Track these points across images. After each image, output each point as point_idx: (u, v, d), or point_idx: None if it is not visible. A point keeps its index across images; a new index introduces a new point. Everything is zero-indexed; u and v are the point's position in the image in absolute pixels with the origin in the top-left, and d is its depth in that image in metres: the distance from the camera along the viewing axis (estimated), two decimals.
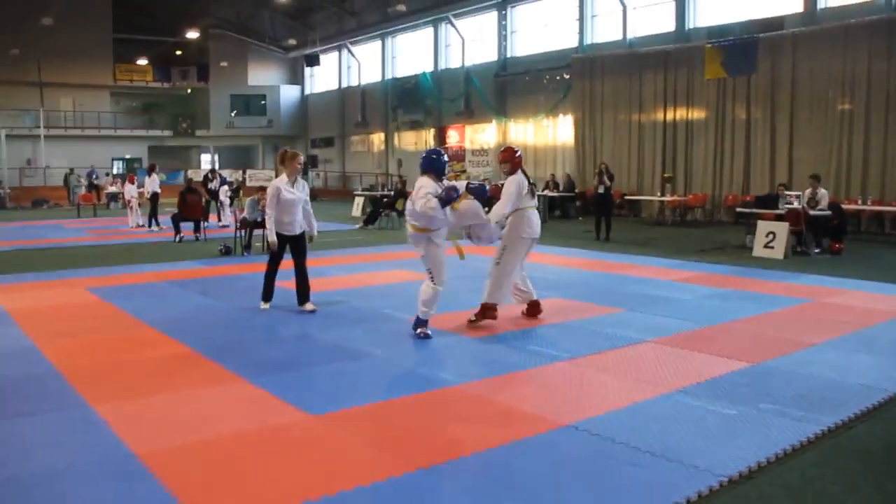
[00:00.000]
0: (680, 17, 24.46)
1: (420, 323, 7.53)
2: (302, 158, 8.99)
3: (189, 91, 49.18)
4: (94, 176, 35.47)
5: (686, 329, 7.85)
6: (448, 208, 7.20)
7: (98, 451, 4.55)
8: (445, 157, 7.73)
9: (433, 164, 7.49)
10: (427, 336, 7.42)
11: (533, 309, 8.51)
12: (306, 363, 6.65)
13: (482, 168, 32.14)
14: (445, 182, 7.39)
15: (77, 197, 31.63)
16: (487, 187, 8.04)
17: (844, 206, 16.57)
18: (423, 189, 7.21)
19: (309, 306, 8.83)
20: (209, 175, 22.98)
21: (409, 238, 7.68)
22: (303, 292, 8.91)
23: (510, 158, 8.21)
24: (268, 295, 9.05)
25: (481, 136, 33.77)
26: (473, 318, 8.10)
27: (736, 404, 5.36)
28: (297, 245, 8.89)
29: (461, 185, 7.53)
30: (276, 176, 9.04)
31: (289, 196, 8.61)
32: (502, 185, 8.20)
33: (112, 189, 32.77)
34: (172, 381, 6.05)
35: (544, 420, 5.06)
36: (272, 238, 8.68)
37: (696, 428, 4.90)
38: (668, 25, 24.82)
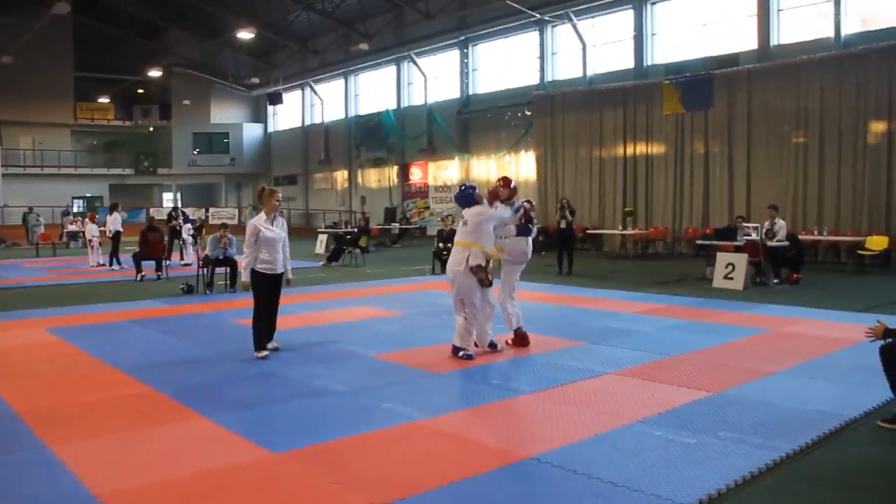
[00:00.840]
0: (638, 54, 24.95)
1: (460, 353, 8.13)
2: (280, 195, 8.76)
3: (151, 129, 48.95)
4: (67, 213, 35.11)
5: (647, 360, 7.93)
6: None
7: (57, 493, 4.49)
8: (477, 189, 8.53)
9: (472, 198, 8.34)
10: (470, 356, 8.03)
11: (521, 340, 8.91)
12: (269, 401, 6.62)
13: (445, 204, 32.28)
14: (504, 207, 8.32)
15: (36, 236, 31.19)
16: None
17: (801, 237, 16.87)
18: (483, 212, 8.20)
19: (271, 345, 8.67)
20: (172, 213, 22.83)
21: (450, 259, 8.30)
22: (269, 331, 8.70)
23: (508, 185, 8.86)
24: (261, 341, 8.54)
25: (444, 172, 33.98)
26: (509, 342, 8.87)
27: (696, 433, 5.43)
28: (275, 285, 8.59)
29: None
30: (257, 213, 8.84)
31: (269, 234, 8.35)
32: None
33: (72, 228, 32.38)
34: (133, 421, 5.98)
35: (507, 453, 5.08)
36: (245, 278, 8.41)
37: (657, 457, 4.96)
38: (627, 62, 25.29)
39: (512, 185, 8.92)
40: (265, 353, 8.40)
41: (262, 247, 8.32)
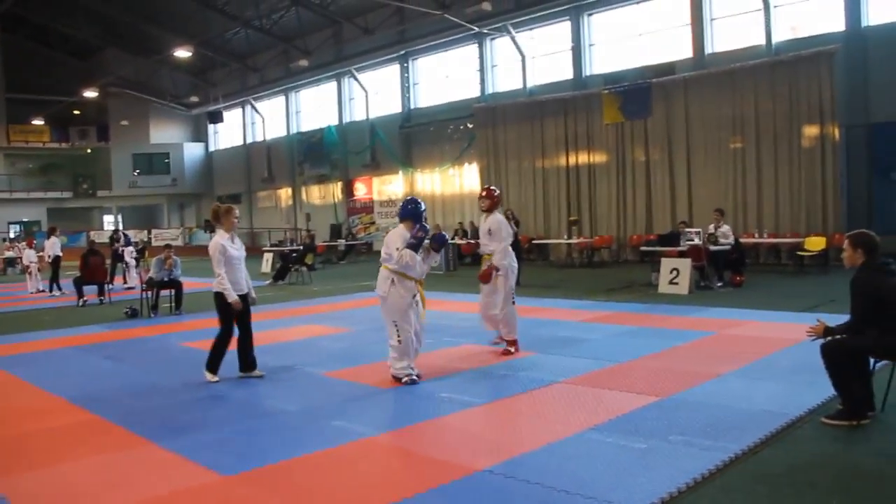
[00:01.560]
0: (577, 65, 25.30)
1: (403, 379, 7.54)
2: (237, 212, 8.35)
3: (89, 151, 48.04)
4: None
5: (597, 368, 7.99)
6: (421, 252, 7.54)
7: None
8: (423, 206, 7.91)
9: (412, 212, 7.68)
10: (415, 381, 7.52)
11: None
12: (218, 423, 6.50)
13: (391, 219, 32.23)
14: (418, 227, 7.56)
15: None
16: (446, 235, 8.73)
17: (742, 240, 17.20)
18: (394, 243, 7.48)
19: (258, 372, 8.21)
20: (114, 236, 22.41)
21: (377, 281, 7.60)
22: (250, 358, 8.24)
23: (491, 196, 9.14)
24: (216, 365, 8.09)
25: (389, 187, 33.96)
26: (510, 350, 9.02)
27: (646, 438, 5.48)
28: (244, 307, 8.17)
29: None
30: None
31: (234, 252, 8.01)
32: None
33: (9, 254, 31.59)
34: (77, 450, 5.83)
35: (460, 466, 5.06)
36: (234, 298, 7.88)
37: (608, 464, 4.98)
38: (567, 73, 25.63)
39: (496, 195, 9.30)
40: (215, 378, 7.99)
41: (228, 267, 7.94)
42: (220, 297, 7.96)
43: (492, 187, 9.61)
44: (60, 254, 20.29)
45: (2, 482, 5.09)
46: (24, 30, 40.97)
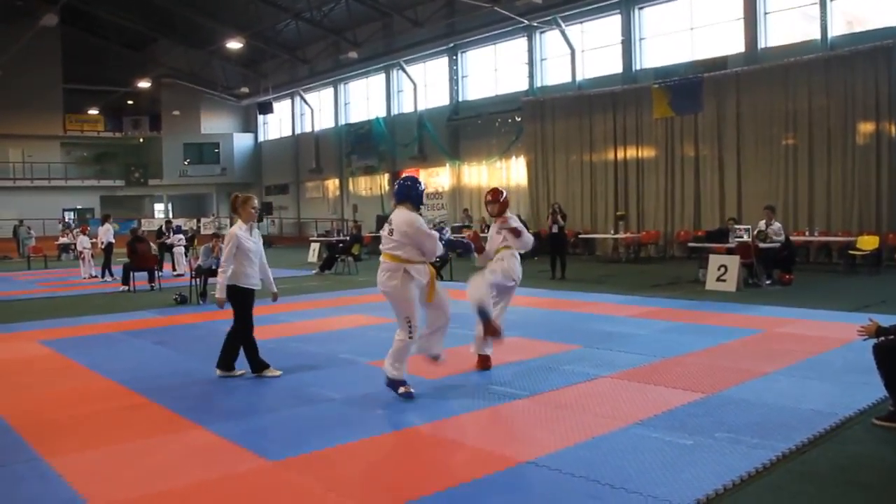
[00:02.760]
0: (627, 59, 25.04)
1: (396, 383, 6.71)
2: (256, 202, 8.07)
3: (141, 140, 48.90)
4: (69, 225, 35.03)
5: (642, 363, 7.95)
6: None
7: None
8: (422, 186, 7.03)
9: (409, 193, 6.80)
10: (410, 395, 6.63)
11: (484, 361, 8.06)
12: (265, 409, 6.61)
13: (437, 211, 32.30)
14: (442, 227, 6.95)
15: (27, 249, 31.11)
16: (465, 239, 7.97)
17: (793, 238, 16.96)
18: (416, 227, 6.53)
19: (240, 371, 7.89)
20: (163, 228, 22.76)
21: (379, 276, 6.72)
22: (236, 354, 7.93)
23: (498, 199, 8.19)
24: (259, 362, 7.84)
25: (436, 179, 33.98)
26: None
27: (692, 434, 5.44)
28: (250, 300, 7.89)
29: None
30: (231, 224, 8.07)
31: (250, 245, 7.75)
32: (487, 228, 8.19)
33: (64, 240, 32.31)
34: (129, 432, 5.96)
35: (504, 458, 5.08)
36: (221, 294, 7.60)
37: (653, 459, 4.96)
38: (616, 67, 25.39)
39: (502, 198, 8.23)
40: (277, 371, 7.81)
41: (243, 259, 7.67)
42: (232, 290, 7.67)
43: (498, 188, 8.51)
44: (113, 241, 20.73)
45: (58, 461, 5.22)
46: (80, 22, 41.73)
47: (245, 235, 7.75)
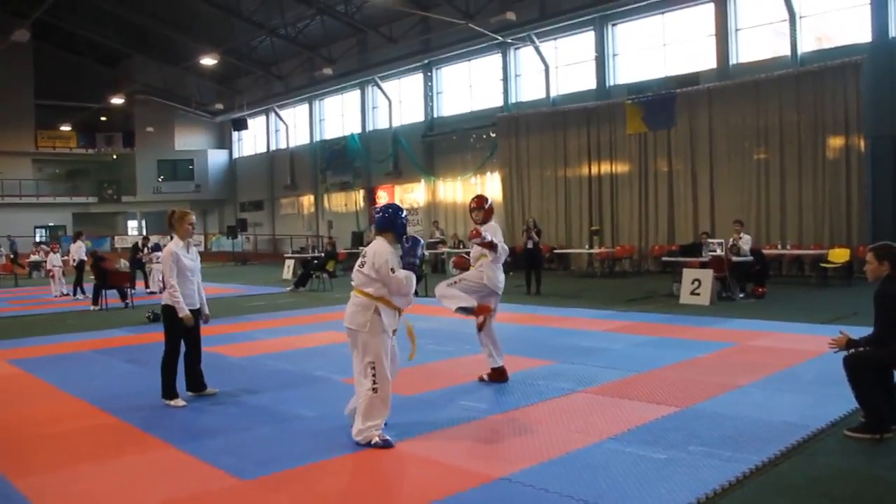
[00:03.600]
0: (600, 75, 25.24)
1: (373, 440, 5.75)
2: (192, 218, 7.74)
3: (115, 157, 48.57)
4: (14, 245, 34.56)
5: (617, 377, 7.96)
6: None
7: None
8: (405, 214, 6.27)
9: (392, 222, 6.13)
10: (388, 443, 5.73)
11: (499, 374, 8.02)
12: (237, 428, 6.53)
13: (412, 227, 32.27)
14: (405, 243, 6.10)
15: None
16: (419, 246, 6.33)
17: (765, 251, 17.10)
18: (384, 262, 5.83)
19: (211, 390, 7.76)
20: (138, 245, 22.56)
21: (348, 311, 6.09)
22: (199, 377, 7.74)
23: (482, 206, 8.08)
24: (172, 388, 7.41)
25: (411, 195, 34.01)
26: (486, 377, 8.01)
27: (666, 448, 5.44)
28: (195, 321, 7.60)
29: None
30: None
31: (188, 262, 7.44)
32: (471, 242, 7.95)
33: (35, 258, 31.93)
34: (98, 452, 5.87)
35: (478, 474, 5.05)
36: (186, 312, 7.29)
37: (628, 474, 4.95)
38: (590, 83, 25.58)
39: (487, 205, 8.08)
40: (182, 402, 7.33)
41: (180, 278, 7.36)
42: (169, 311, 7.38)
43: (483, 195, 8.37)
44: (85, 258, 20.48)
45: (24, 483, 5.13)
46: (53, 37, 41.48)
47: (183, 253, 7.44)
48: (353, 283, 6.11)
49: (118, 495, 4.88)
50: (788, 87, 19.78)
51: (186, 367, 7.69)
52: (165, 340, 7.51)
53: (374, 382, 5.76)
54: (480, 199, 8.17)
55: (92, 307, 17.04)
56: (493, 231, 7.87)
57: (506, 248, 7.92)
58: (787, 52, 20.58)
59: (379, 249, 5.93)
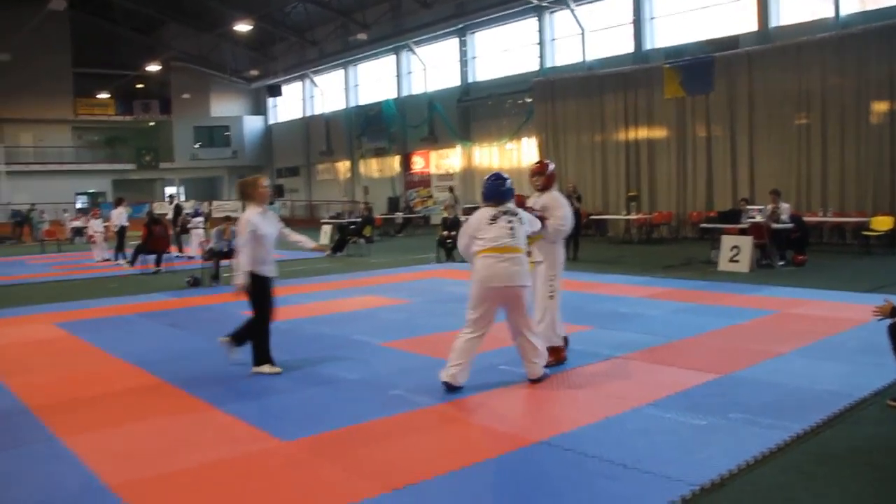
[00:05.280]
0: (637, 38, 24.86)
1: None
2: (266, 181, 7.62)
3: (152, 124, 48.94)
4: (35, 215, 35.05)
5: (655, 344, 7.93)
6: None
7: (70, 484, 4.51)
8: (510, 182, 6.52)
9: (500, 191, 6.44)
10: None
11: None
12: (278, 390, 6.62)
13: (447, 194, 32.26)
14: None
15: (40, 233, 31.26)
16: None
17: (806, 219, 16.83)
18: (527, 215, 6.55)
19: (274, 368, 7.32)
20: (179, 206, 22.71)
21: (511, 270, 6.20)
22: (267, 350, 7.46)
23: (544, 172, 7.39)
24: (265, 356, 7.33)
25: (446, 161, 33.95)
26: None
27: (706, 415, 5.43)
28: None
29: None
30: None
31: (268, 231, 7.28)
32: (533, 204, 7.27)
33: (76, 224, 32.41)
34: (143, 412, 6.00)
35: (517, 437, 5.09)
36: (243, 280, 7.06)
37: (667, 439, 4.96)
38: (627, 47, 25.22)
39: (549, 171, 7.40)
40: (276, 369, 7.23)
41: (258, 246, 7.15)
42: (253, 278, 7.13)
43: (546, 161, 7.82)
44: (127, 224, 20.77)
45: (73, 441, 5.27)
46: (90, 6, 41.68)
47: (260, 220, 7.21)
48: (504, 244, 6.23)
49: (164, 454, 4.98)
50: (831, 50, 19.30)
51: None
52: (252, 308, 7.32)
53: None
54: (542, 165, 7.52)
55: (132, 268, 17.25)
56: (551, 203, 7.18)
57: (564, 223, 7.11)
58: (829, 13, 20.06)
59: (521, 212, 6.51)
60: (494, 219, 6.32)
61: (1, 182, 39.85)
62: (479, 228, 6.33)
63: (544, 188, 7.36)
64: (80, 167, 45.03)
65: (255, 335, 7.33)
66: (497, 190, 6.45)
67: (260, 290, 7.22)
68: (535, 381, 6.45)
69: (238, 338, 7.45)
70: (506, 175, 6.59)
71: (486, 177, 6.66)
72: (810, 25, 20.28)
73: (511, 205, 6.48)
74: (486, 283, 6.20)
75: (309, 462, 4.81)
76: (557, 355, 7.13)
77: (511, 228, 6.29)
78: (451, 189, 30.01)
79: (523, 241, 6.37)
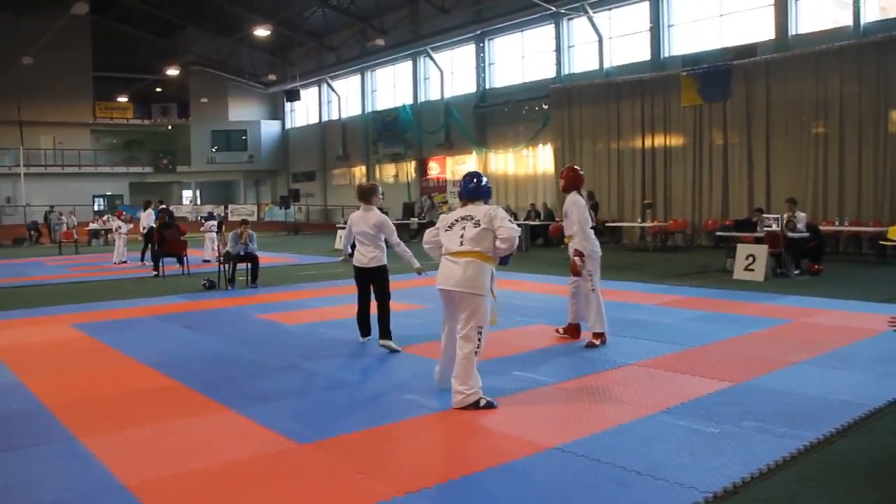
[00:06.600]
0: (655, 46, 24.86)
1: (481, 402, 5.98)
2: (380, 189, 9.16)
3: (170, 127, 49.29)
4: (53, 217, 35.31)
5: (669, 351, 7.93)
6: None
7: (87, 484, 4.56)
8: (486, 181, 6.48)
9: (478, 191, 6.37)
10: (491, 404, 5.99)
11: (574, 330, 8.87)
12: (293, 393, 6.67)
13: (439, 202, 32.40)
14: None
15: (58, 234, 31.53)
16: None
17: (822, 228, 16.78)
18: (503, 219, 6.07)
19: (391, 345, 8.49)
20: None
21: (462, 273, 6.02)
22: (381, 326, 8.77)
23: (563, 175, 8.65)
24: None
25: (462, 167, 33.94)
26: (561, 330, 8.99)
27: (719, 423, 5.44)
28: (365, 278, 9.25)
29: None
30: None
31: (362, 228, 8.94)
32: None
33: (94, 226, 32.66)
34: (160, 413, 6.06)
35: (530, 443, 5.11)
36: (419, 264, 9.15)
37: (680, 447, 4.97)
38: (644, 54, 25.21)
39: (569, 174, 8.64)
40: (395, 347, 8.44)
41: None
42: (382, 269, 8.98)
43: (574, 166, 8.90)
44: (155, 225, 20.90)
45: (91, 441, 5.33)
46: (110, 10, 42.07)
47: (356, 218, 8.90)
48: (457, 248, 6.13)
49: (181, 455, 5.03)
50: (850, 58, 19.23)
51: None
52: (383, 294, 8.95)
53: (479, 345, 5.98)
54: (566, 170, 8.73)
55: (154, 274, 17.39)
56: (571, 206, 8.34)
57: (586, 220, 8.34)
58: (849, 21, 20.00)
59: (492, 210, 6.15)
60: (451, 227, 6.28)
61: (19, 184, 40.17)
62: (438, 235, 6.46)
63: (564, 189, 8.52)
64: (98, 170, 45.42)
65: (387, 312, 8.67)
66: (466, 187, 6.44)
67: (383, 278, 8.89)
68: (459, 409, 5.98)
69: (387, 332, 8.54)
70: (482, 174, 6.60)
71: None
72: (829, 34, 20.22)
73: (479, 205, 6.28)
74: (437, 284, 6.31)
75: (324, 465, 4.84)
76: (602, 338, 8.32)
77: (461, 236, 6.14)
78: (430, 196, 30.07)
79: (480, 244, 6.05)
